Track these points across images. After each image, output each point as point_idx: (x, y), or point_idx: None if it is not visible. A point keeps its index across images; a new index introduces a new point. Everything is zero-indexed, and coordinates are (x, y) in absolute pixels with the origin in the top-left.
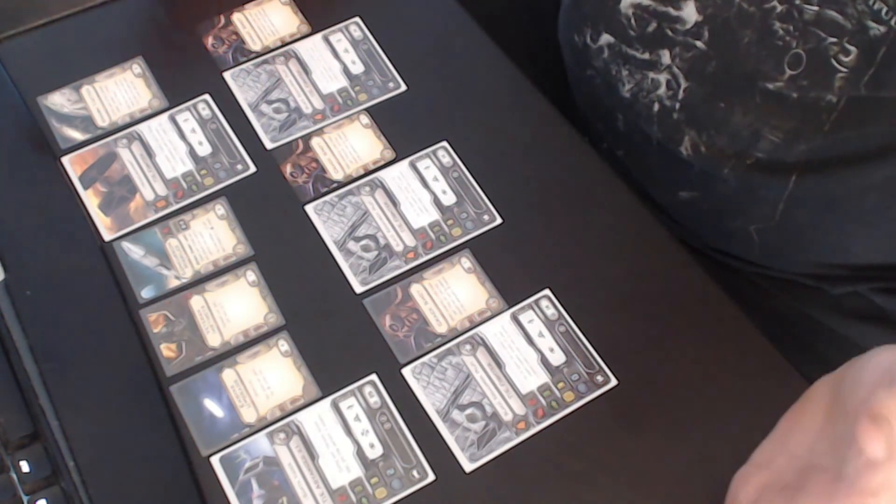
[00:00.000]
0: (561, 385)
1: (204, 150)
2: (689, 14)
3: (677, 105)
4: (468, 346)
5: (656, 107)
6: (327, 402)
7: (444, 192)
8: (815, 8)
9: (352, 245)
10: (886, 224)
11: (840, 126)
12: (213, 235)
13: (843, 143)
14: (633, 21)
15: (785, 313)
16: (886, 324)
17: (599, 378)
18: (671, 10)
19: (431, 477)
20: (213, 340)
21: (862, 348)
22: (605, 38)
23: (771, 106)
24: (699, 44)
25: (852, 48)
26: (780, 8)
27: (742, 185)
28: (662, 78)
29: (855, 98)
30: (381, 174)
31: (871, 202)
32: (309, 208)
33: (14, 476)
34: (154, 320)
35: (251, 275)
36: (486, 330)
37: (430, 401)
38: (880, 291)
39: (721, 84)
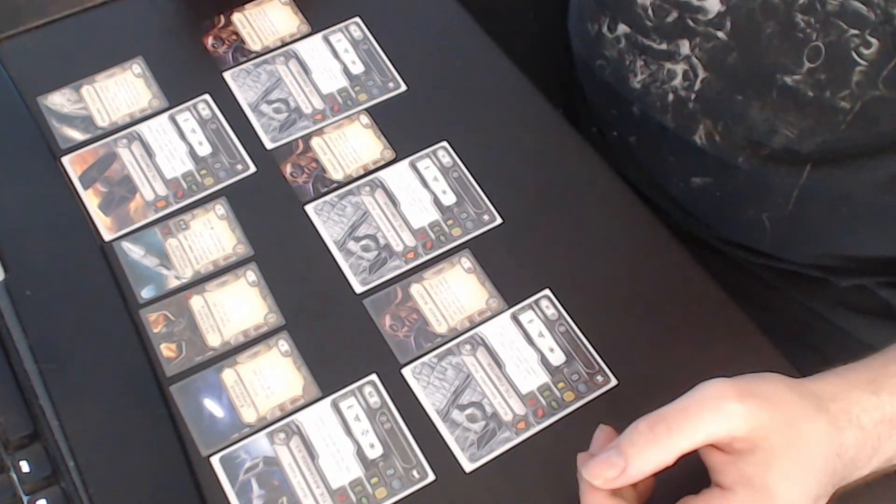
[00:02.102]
0: (561, 385)
1: (204, 150)
2: (712, 4)
3: (693, 95)
4: (468, 346)
5: (671, 97)
6: (327, 402)
7: (444, 192)
8: None
9: (352, 245)
10: None
11: (856, 125)
12: (213, 235)
13: (858, 138)
14: (650, 11)
15: (788, 309)
16: (891, 318)
17: (599, 378)
18: (693, 1)
19: (431, 477)
20: (213, 340)
21: (864, 344)
22: (622, 28)
23: (787, 103)
24: (721, 34)
25: (874, 40)
26: (802, 0)
27: (756, 173)
28: (679, 68)
29: (871, 100)
30: (381, 174)
31: (884, 195)
32: (309, 208)
33: (14, 476)
34: (154, 320)
35: (251, 275)
36: (486, 330)
37: (430, 401)
38: (886, 286)
39: (740, 76)
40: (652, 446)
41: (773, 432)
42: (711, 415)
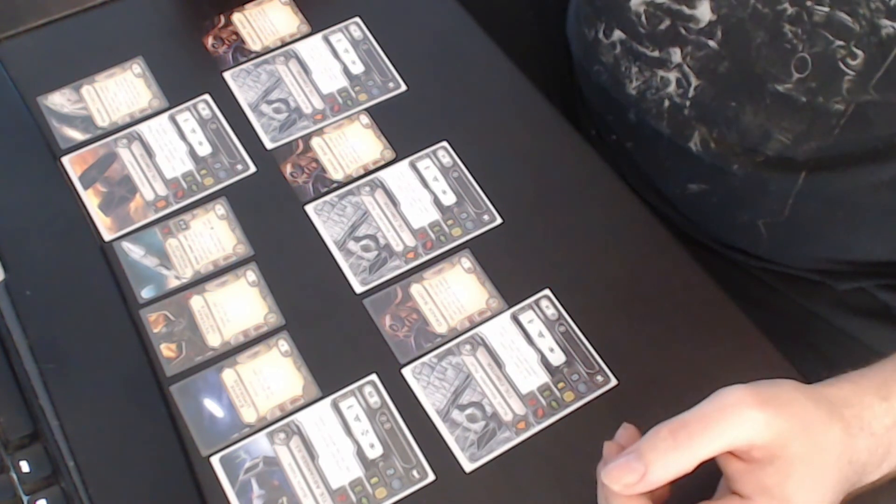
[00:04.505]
0: (561, 385)
1: (204, 150)
2: (704, 13)
3: (687, 102)
4: (468, 346)
5: (666, 103)
6: (327, 402)
7: (444, 192)
8: (826, 9)
9: (352, 245)
10: (895, 221)
11: (850, 128)
12: (213, 235)
13: (853, 142)
14: (643, 18)
15: (787, 310)
16: (890, 320)
17: (599, 378)
18: (685, 9)
19: (431, 477)
20: (213, 340)
21: (864, 345)
22: (617, 35)
23: (781, 108)
24: (712, 43)
25: (859, 52)
26: (790, 10)
27: (752, 179)
28: (672, 76)
29: (864, 103)
30: (381, 174)
31: (880, 199)
32: (309, 208)
33: (14, 476)
34: (154, 320)
35: (251, 275)
36: (486, 330)
37: (430, 401)
38: (885, 288)
39: (732, 84)
40: (673, 452)
41: (791, 441)
42: (732, 422)
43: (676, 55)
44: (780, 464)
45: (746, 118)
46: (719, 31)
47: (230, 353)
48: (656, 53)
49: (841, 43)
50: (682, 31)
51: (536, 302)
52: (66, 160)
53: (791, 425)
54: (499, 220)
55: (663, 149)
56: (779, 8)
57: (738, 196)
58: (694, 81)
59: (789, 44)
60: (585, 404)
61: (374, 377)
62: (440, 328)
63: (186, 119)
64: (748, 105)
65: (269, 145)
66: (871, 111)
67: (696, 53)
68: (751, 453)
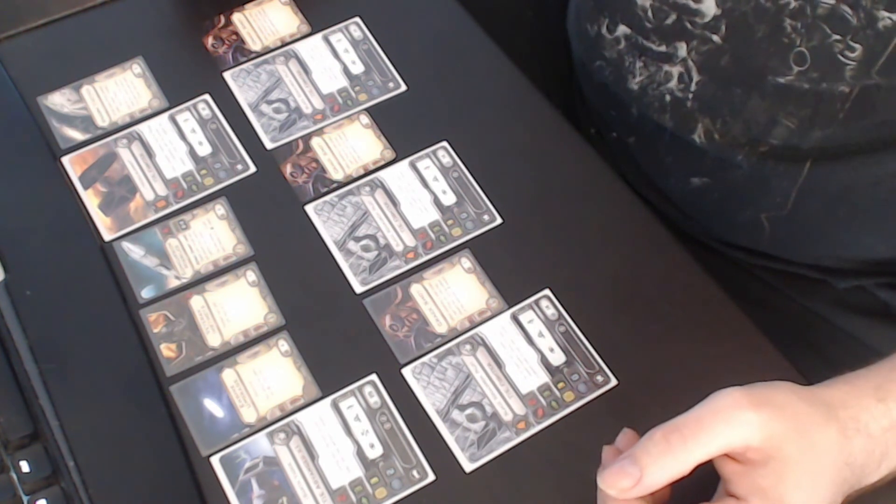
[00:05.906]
0: (561, 385)
1: (204, 150)
2: (709, 7)
3: (690, 95)
4: (468, 346)
5: (668, 98)
6: (327, 402)
7: (444, 192)
8: (832, 2)
9: (352, 245)
10: (894, 219)
11: (855, 114)
12: (213, 235)
13: (857, 131)
14: (650, 13)
15: (787, 309)
16: (890, 319)
17: (599, 378)
18: (691, 3)
19: (431, 477)
20: (213, 340)
21: (863, 344)
22: (622, 30)
23: (784, 97)
24: (716, 37)
25: (857, 45)
26: (793, 4)
27: (755, 172)
28: (675, 71)
29: (869, 86)
30: (381, 174)
31: (882, 193)
32: (309, 208)
33: (14, 476)
34: (154, 320)
35: (251, 275)
36: (486, 330)
37: (430, 401)
38: (885, 287)
39: (731, 79)
40: (667, 456)
41: (786, 442)
42: (726, 425)
43: (682, 49)
44: (774, 465)
45: (753, 103)
46: (723, 25)
47: (230, 353)
48: (663, 48)
49: (837, 37)
50: (688, 26)
51: (536, 302)
52: (66, 160)
53: (786, 427)
54: (499, 220)
55: (665, 143)
56: (782, 2)
57: (741, 190)
58: (696, 76)
59: (787, 38)
60: (585, 404)
61: (374, 377)
62: (440, 328)
63: (186, 119)
64: (751, 94)
65: (269, 145)
66: (875, 95)
67: (701, 48)
68: (746, 455)
